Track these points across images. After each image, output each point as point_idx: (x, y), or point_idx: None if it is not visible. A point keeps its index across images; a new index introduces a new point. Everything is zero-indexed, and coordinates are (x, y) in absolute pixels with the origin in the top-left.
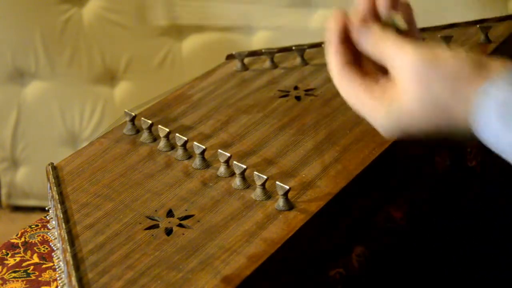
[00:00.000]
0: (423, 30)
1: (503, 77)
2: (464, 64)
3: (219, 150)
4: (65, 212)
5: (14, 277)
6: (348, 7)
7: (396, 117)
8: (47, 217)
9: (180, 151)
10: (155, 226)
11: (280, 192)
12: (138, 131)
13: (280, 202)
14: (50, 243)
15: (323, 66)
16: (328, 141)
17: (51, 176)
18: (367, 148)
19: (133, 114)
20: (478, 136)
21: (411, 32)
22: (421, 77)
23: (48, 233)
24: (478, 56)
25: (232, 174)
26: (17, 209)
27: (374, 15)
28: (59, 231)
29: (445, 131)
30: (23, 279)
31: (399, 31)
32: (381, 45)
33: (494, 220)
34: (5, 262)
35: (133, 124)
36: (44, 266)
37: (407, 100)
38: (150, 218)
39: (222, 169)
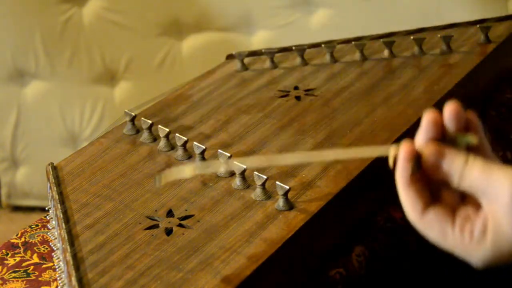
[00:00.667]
0: (423, 30)
1: None
2: None
3: (219, 150)
4: (65, 212)
5: (14, 277)
6: (349, 9)
7: (497, 251)
8: (47, 217)
9: (180, 151)
10: (155, 226)
11: (280, 192)
12: (138, 131)
13: (280, 202)
14: (50, 243)
15: (323, 66)
16: (328, 141)
17: (51, 176)
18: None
19: (133, 114)
20: None
21: (482, 147)
22: None
23: (48, 233)
24: None
25: (232, 174)
26: (17, 209)
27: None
28: (59, 231)
29: None
30: (23, 279)
31: (469, 148)
32: (468, 174)
33: None
34: (5, 262)
35: (133, 124)
36: (44, 266)
37: (508, 230)
38: (150, 218)
39: (222, 169)
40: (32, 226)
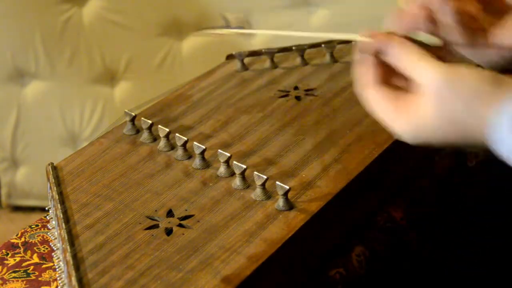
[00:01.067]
0: None
1: None
2: (484, 83)
3: (219, 150)
4: (65, 212)
5: (14, 277)
6: (349, 9)
7: (415, 129)
8: (47, 217)
9: (180, 151)
10: (155, 226)
11: (280, 192)
12: (138, 131)
13: (280, 202)
14: (50, 243)
15: (323, 66)
16: (328, 141)
17: (51, 176)
18: (367, 148)
19: (133, 114)
20: (493, 150)
21: (445, 47)
22: (442, 96)
23: (48, 233)
24: (498, 75)
25: (232, 174)
26: (17, 209)
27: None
28: (59, 231)
29: (461, 144)
30: (23, 279)
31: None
32: (407, 60)
33: (494, 220)
34: (5, 262)
35: (133, 124)
36: (44, 266)
37: (426, 116)
38: (150, 218)
39: (222, 169)
40: (32, 226)
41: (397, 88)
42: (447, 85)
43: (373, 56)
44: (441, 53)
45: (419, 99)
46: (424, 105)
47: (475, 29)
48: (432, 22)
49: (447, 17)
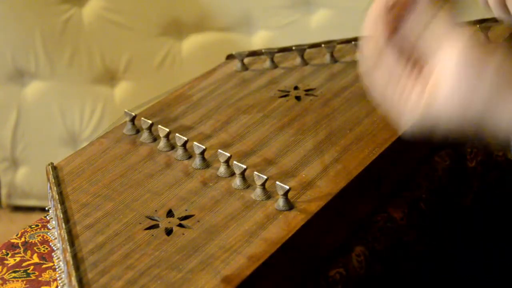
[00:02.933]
0: None
1: None
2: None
3: (219, 150)
4: (65, 212)
5: (14, 277)
6: (349, 9)
7: (429, 102)
8: (47, 217)
9: (180, 151)
10: (155, 226)
11: (280, 192)
12: (138, 131)
13: (280, 202)
14: (50, 243)
15: (323, 66)
16: (328, 141)
17: (51, 176)
18: (367, 148)
19: (133, 114)
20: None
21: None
22: (469, 69)
23: (48, 233)
24: None
25: (232, 174)
26: (17, 209)
27: None
28: (59, 231)
29: (471, 129)
30: (23, 279)
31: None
32: (433, 28)
33: (494, 220)
34: (5, 262)
35: (133, 124)
36: (44, 266)
37: (444, 89)
38: (150, 218)
39: (222, 169)
40: (32, 226)
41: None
42: (476, 59)
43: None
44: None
45: (440, 70)
46: (446, 77)
47: None
48: None
49: None
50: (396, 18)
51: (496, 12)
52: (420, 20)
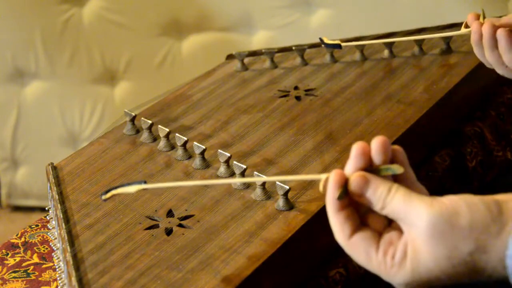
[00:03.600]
0: (423, 30)
1: None
2: (484, 215)
3: (219, 150)
4: (65, 212)
5: (14, 277)
6: (349, 9)
7: (417, 275)
8: (47, 217)
9: (180, 151)
10: (155, 226)
11: (280, 192)
12: (138, 131)
13: (280, 202)
14: (50, 243)
15: (323, 66)
16: (328, 141)
17: (51, 176)
18: None
19: (133, 114)
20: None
21: (407, 175)
22: (440, 236)
23: (48, 233)
24: (492, 202)
25: (232, 174)
26: (17, 209)
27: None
28: (59, 231)
29: (466, 280)
30: (23, 279)
31: (395, 178)
32: (389, 202)
33: None
34: (5, 262)
35: (133, 124)
36: (44, 266)
37: (425, 259)
38: (150, 218)
39: (222, 169)
40: (32, 226)
41: (376, 230)
42: (446, 224)
43: (339, 208)
44: (406, 183)
45: (413, 242)
46: (421, 249)
47: None
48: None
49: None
50: (351, 213)
51: (497, 69)
52: (377, 197)
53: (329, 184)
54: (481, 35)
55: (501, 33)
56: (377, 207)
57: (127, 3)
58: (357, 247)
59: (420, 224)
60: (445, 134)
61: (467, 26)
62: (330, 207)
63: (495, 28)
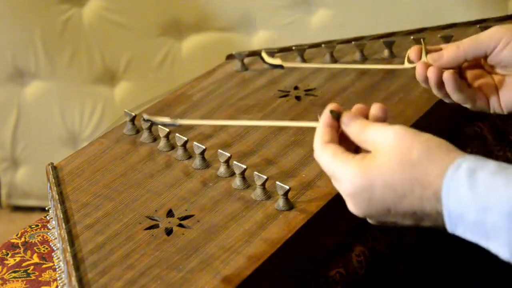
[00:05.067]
0: (423, 30)
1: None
2: (437, 145)
3: (219, 150)
4: (65, 212)
5: (14, 277)
6: (349, 9)
7: (367, 173)
8: (47, 217)
9: (180, 151)
10: (155, 226)
11: (280, 192)
12: (138, 131)
13: (280, 202)
14: (50, 243)
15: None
16: None
17: (51, 176)
18: None
19: (133, 114)
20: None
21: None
22: (398, 152)
23: (48, 233)
24: (443, 142)
25: (232, 174)
26: (17, 209)
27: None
28: (59, 231)
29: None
30: (23, 279)
31: None
32: (366, 132)
33: None
34: (5, 262)
35: (133, 124)
36: (44, 266)
37: (382, 163)
38: (150, 218)
39: (222, 169)
40: (32, 226)
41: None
42: (404, 143)
43: (326, 124)
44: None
45: (376, 154)
46: (382, 157)
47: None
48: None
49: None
50: (335, 135)
51: (435, 92)
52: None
53: (328, 106)
54: (426, 77)
55: (448, 78)
56: (354, 134)
57: (127, 3)
58: (327, 150)
59: (389, 135)
60: (445, 134)
61: (410, 60)
62: (322, 120)
63: (440, 72)
